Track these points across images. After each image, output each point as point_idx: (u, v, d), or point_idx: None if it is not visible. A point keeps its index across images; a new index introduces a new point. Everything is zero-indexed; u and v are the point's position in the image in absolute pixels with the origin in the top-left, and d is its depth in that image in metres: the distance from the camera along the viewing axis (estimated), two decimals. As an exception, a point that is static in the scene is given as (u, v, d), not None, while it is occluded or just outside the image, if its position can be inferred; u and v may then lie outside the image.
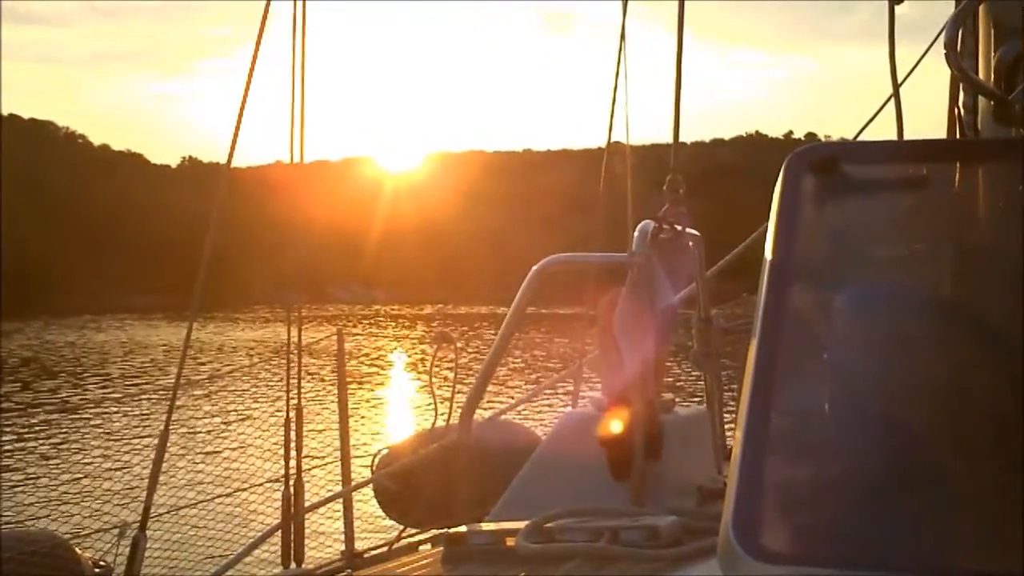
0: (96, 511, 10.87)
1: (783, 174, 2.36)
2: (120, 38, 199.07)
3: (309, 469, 7.39)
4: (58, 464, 19.52)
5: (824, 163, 2.37)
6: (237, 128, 6.14)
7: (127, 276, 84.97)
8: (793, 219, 2.30)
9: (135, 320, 65.35)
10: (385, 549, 6.19)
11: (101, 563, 5.18)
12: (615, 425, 4.15)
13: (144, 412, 21.82)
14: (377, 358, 38.62)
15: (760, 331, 2.14)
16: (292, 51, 6.30)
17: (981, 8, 2.91)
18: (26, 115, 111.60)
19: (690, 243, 4.71)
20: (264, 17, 6.05)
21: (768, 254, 2.26)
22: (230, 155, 6.44)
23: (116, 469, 16.75)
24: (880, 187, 2.44)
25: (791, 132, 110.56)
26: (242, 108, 6.10)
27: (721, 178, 75.62)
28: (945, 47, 2.53)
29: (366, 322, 61.30)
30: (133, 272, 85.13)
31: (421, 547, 5.84)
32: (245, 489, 9.36)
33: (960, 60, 2.69)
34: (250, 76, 6.13)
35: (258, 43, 6.06)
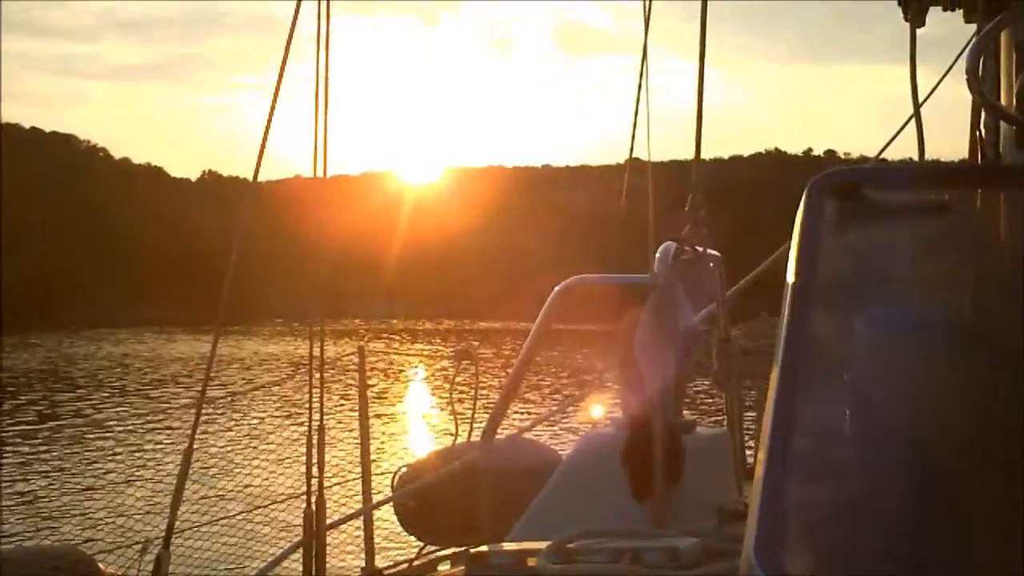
0: (119, 527, 10.90)
1: (805, 198, 2.36)
2: (143, 52, 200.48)
3: (331, 486, 7.39)
4: (80, 479, 19.54)
5: (846, 188, 2.38)
6: (263, 143, 6.13)
7: (145, 289, 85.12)
8: (815, 243, 2.31)
9: (154, 333, 65.48)
10: (406, 566, 6.19)
11: (124, 579, 5.19)
12: (636, 445, 4.15)
13: (167, 427, 21.86)
14: (397, 374, 38.59)
15: (782, 354, 2.15)
16: (316, 66, 6.30)
17: (1003, 32, 2.91)
18: (47, 128, 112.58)
19: (711, 264, 4.72)
20: (291, 33, 6.06)
21: (790, 278, 2.26)
22: (256, 170, 6.42)
23: (139, 484, 16.82)
24: (901, 212, 2.45)
25: (810, 149, 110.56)
26: (268, 123, 6.09)
27: (740, 194, 75.50)
28: (967, 73, 2.54)
29: (386, 338, 61.32)
30: (152, 285, 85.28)
31: (441, 565, 5.83)
32: (267, 506, 9.38)
33: (982, 84, 2.70)
34: (276, 91, 6.13)
35: (284, 58, 6.06)
